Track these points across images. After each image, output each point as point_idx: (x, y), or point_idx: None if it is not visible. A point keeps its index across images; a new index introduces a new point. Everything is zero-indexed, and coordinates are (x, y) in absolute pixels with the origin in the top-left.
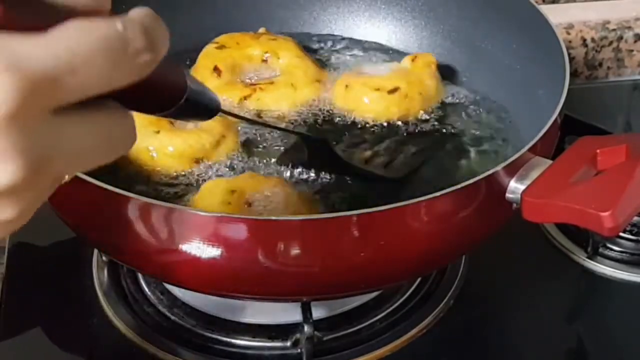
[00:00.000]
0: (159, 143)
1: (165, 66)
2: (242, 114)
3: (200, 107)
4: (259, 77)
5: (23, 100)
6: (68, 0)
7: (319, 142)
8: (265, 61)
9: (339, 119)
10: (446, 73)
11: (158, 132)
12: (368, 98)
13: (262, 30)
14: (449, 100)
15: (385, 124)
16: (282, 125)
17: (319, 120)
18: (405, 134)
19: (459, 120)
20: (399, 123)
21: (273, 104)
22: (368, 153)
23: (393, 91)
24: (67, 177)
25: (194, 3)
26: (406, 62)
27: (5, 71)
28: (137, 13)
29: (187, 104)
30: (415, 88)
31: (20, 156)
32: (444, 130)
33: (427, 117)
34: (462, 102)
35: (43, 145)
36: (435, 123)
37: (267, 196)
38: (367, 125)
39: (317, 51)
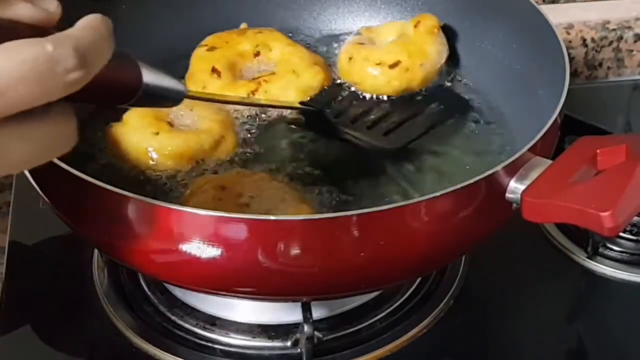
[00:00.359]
0: (159, 144)
1: (117, 63)
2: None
3: (162, 96)
4: (257, 71)
5: None
6: (11, 16)
7: (314, 113)
8: (257, 55)
9: (344, 90)
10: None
11: (157, 133)
12: (370, 72)
13: (243, 25)
14: (446, 99)
15: (386, 96)
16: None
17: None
18: (406, 106)
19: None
20: (402, 96)
21: (280, 93)
22: (368, 123)
23: (394, 65)
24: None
25: (192, 2)
26: (409, 28)
27: None
28: (78, 27)
29: (146, 95)
30: (416, 60)
31: None
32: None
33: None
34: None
35: None
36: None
37: (258, 191)
38: (371, 97)
39: (317, 51)
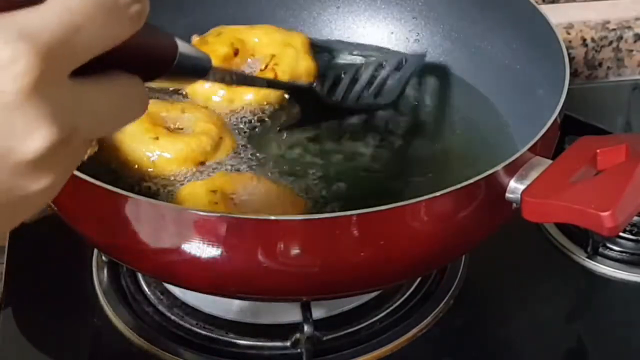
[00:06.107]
0: (160, 149)
1: (154, 30)
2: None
3: (194, 66)
4: (248, 66)
5: (43, 66)
6: None
7: (304, 89)
8: (237, 53)
9: None
10: (441, 73)
11: (157, 138)
12: None
13: (194, 37)
14: (446, 99)
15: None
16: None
17: None
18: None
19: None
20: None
21: (289, 69)
22: (357, 89)
23: None
24: (93, 143)
25: (192, 2)
26: None
27: (21, 42)
28: None
29: (180, 64)
30: None
31: (49, 121)
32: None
33: None
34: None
35: (67, 109)
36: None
37: (249, 191)
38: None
39: (317, 51)
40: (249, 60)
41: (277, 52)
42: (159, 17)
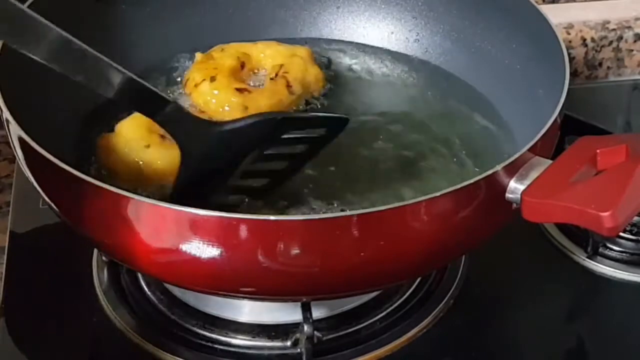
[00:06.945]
0: (149, 157)
1: None
2: None
3: None
4: (255, 79)
5: None
6: None
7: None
8: (243, 67)
9: None
10: (440, 75)
11: (148, 146)
12: None
13: (198, 54)
14: (446, 99)
15: None
16: None
17: None
18: None
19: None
20: None
21: (301, 76)
22: None
23: None
24: None
25: (192, 3)
26: None
27: None
28: None
29: None
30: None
31: None
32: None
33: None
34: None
35: None
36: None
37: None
38: None
39: (317, 51)
40: (256, 72)
41: (284, 62)
42: (157, 17)
